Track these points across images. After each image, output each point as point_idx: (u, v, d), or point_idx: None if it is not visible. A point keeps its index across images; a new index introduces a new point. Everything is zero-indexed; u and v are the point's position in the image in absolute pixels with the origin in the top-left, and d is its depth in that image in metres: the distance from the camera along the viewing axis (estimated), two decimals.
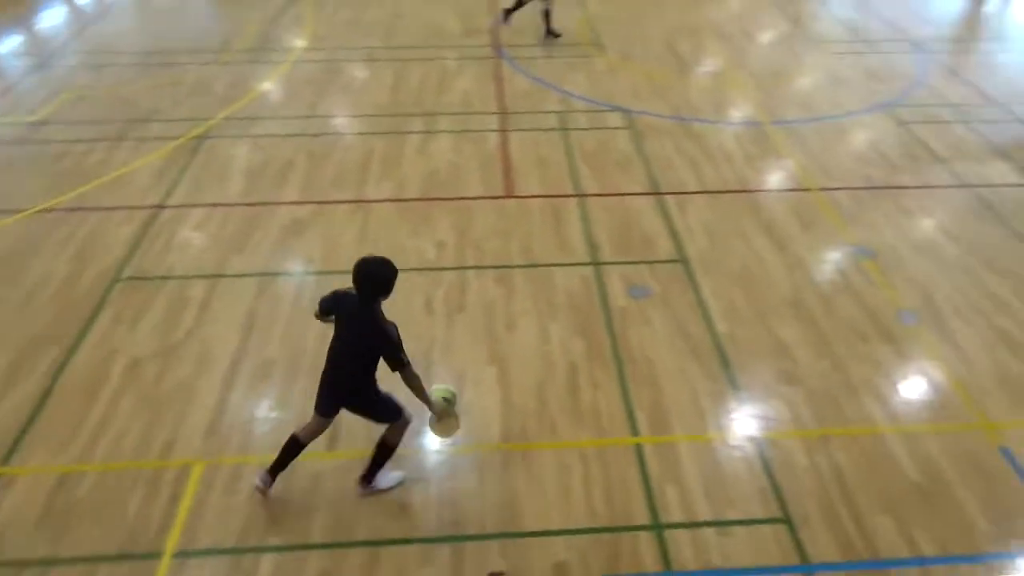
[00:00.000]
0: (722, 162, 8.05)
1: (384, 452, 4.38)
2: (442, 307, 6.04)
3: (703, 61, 10.46)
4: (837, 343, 5.75)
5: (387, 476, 4.52)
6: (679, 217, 7.15)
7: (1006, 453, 4.91)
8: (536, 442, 4.93)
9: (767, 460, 4.83)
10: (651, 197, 7.47)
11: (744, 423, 5.10)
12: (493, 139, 8.45)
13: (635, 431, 5.02)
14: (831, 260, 6.66)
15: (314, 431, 4.36)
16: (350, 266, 4.02)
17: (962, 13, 12.66)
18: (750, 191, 7.57)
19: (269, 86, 9.80)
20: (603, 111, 9.03)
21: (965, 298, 6.22)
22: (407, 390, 4.15)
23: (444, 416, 4.32)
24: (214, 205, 7.32)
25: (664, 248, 6.75)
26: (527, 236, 6.88)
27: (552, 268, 6.48)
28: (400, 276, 4.04)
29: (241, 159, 8.12)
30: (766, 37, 11.33)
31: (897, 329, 5.90)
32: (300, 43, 11.08)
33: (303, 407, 5.12)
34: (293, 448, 4.33)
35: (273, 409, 5.13)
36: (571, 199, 7.43)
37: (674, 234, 6.92)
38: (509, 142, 8.37)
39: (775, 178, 7.83)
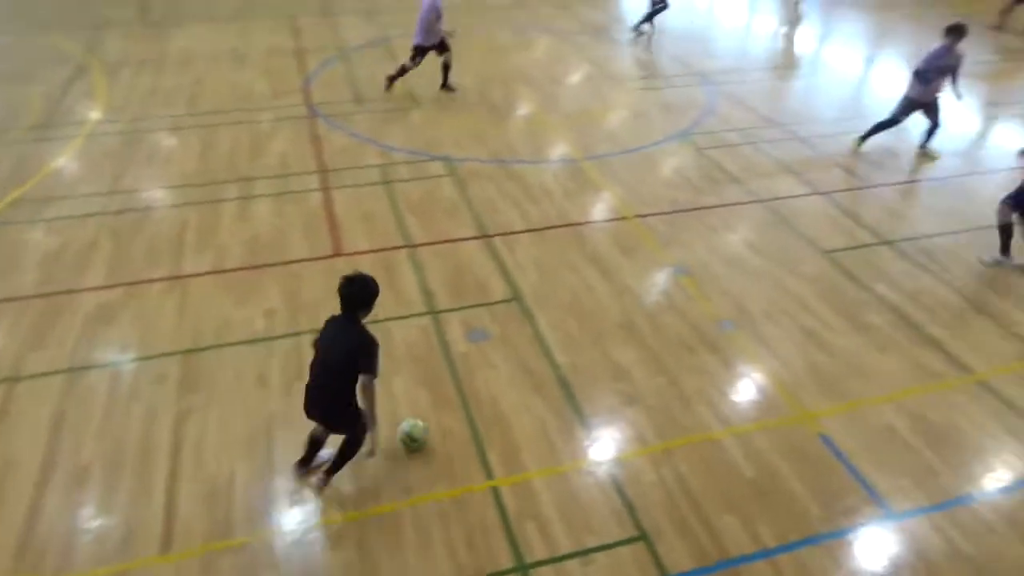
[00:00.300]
0: (544, 200, 8.36)
1: (348, 455, 4.78)
2: (278, 378, 5.75)
3: (516, 106, 10.88)
4: (668, 359, 6.08)
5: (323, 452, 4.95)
6: (509, 257, 7.32)
7: (824, 439, 5.37)
8: (391, 503, 4.78)
9: (618, 481, 4.97)
10: (480, 240, 7.60)
11: (593, 449, 5.23)
12: (315, 198, 8.27)
13: (489, 474, 5.00)
14: (653, 282, 7.06)
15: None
16: (172, 348, 3.75)
17: (738, 48, 14.08)
18: (573, 225, 7.91)
19: (62, 163, 9.05)
20: (425, 161, 9.12)
21: (772, 302, 6.81)
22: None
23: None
24: (4, 300, 6.59)
25: (498, 289, 6.87)
26: None
27: (389, 322, 6.38)
28: (229, 352, 3.82)
29: (34, 246, 7.39)
30: (570, 80, 12.01)
31: (719, 338, 6.33)
32: (94, 115, 10.35)
33: (129, 510, 4.67)
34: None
35: (94, 517, 4.63)
36: (401, 251, 7.40)
37: (506, 274, 7.06)
38: (332, 200, 8.24)
39: (594, 210, 8.23)
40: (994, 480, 5.10)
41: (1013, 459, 5.28)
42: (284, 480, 4.92)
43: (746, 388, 5.85)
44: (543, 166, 9.13)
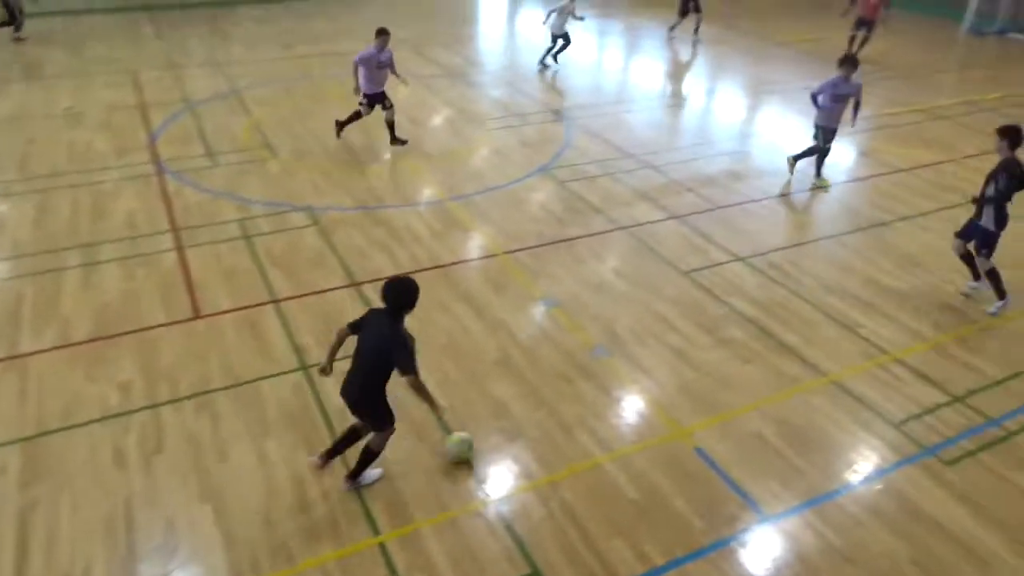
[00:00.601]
0: (412, 243, 8.31)
1: (369, 456, 5.05)
2: (136, 454, 5.33)
3: (378, 151, 10.82)
4: (546, 391, 6.13)
5: (369, 473, 5.16)
6: (379, 303, 7.15)
7: (700, 453, 5.57)
8: (271, 574, 4.50)
9: (507, 520, 4.93)
10: (350, 288, 7.43)
11: (480, 490, 5.17)
12: (169, 259, 7.82)
13: (376, 530, 4.82)
14: (526, 316, 7.15)
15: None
16: (11, 436, 3.38)
17: (590, 83, 14.70)
18: (443, 266, 7.89)
19: None
20: (286, 212, 8.86)
21: (640, 324, 7.05)
22: None
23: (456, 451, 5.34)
24: None
25: None
26: (225, 355, 6.41)
27: (259, 382, 6.09)
28: (80, 432, 3.50)
29: None
30: (431, 122, 12.10)
31: (594, 365, 6.47)
32: None
33: None
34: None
35: None
36: (267, 306, 7.11)
37: None
38: (188, 260, 7.81)
39: (463, 249, 8.26)
40: (855, 474, 5.46)
41: (869, 452, 5.68)
42: (148, 567, 4.53)
43: (623, 411, 5.99)
44: (409, 209, 9.09)
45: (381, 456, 5.10)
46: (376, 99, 10.54)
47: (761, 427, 5.84)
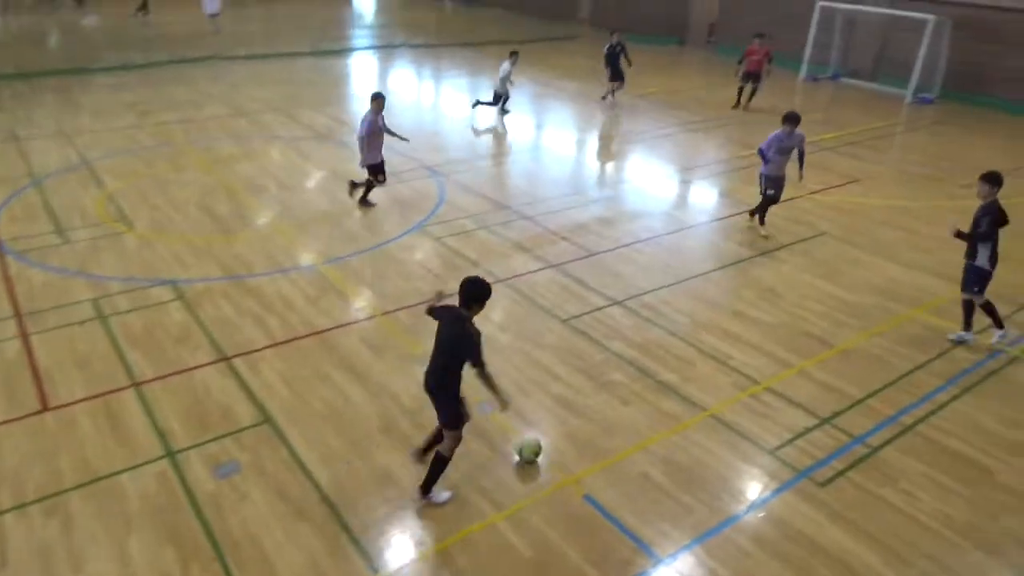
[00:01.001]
0: (285, 311, 8.00)
1: (439, 465, 5.35)
2: None
3: (246, 217, 10.45)
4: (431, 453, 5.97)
5: (441, 494, 5.46)
6: (253, 377, 6.84)
7: (589, 499, 5.56)
8: None
9: None
10: (219, 364, 7.04)
11: (370, 566, 4.92)
12: (12, 348, 7.15)
13: None
14: (409, 377, 6.97)
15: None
16: None
17: (464, 139, 14.91)
18: (319, 332, 7.63)
19: None
20: (146, 288, 8.34)
21: (524, 376, 7.05)
22: None
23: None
24: None
25: (244, 414, 6.36)
26: (78, 449, 5.87)
27: (118, 476, 5.60)
28: None
29: None
30: (302, 185, 11.85)
31: (481, 421, 6.36)
32: None
33: None
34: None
35: None
36: (126, 391, 6.60)
37: (252, 396, 6.58)
38: (34, 347, 7.17)
39: (340, 313, 8.03)
40: (738, 505, 5.60)
41: (750, 482, 5.85)
42: None
43: (513, 467, 5.91)
44: (281, 276, 8.78)
45: (448, 469, 5.41)
46: (381, 167, 10.64)
47: (647, 468, 5.91)
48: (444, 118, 16.59)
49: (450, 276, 8.90)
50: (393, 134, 10.86)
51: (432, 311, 5.41)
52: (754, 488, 5.78)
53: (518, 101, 18.22)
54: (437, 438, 5.54)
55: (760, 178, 10.40)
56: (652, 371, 7.18)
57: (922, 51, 19.20)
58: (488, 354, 7.25)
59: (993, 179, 7.43)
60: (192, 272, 8.77)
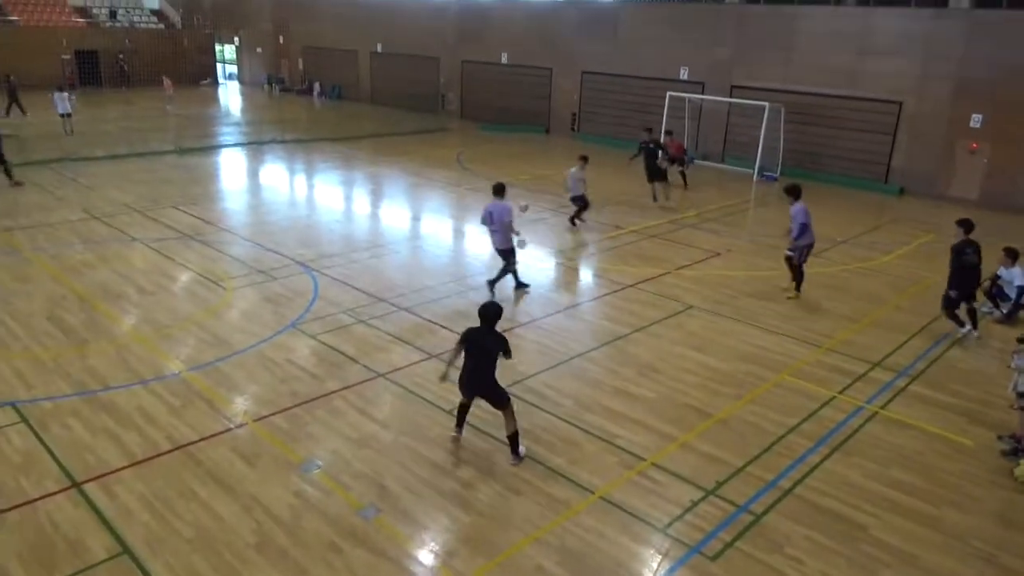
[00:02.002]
0: (146, 425, 7.39)
1: (515, 437, 6.98)
2: None
3: (100, 327, 9.71)
4: (317, 568, 5.57)
5: (522, 448, 7.08)
6: (108, 503, 6.19)
7: None
8: None
9: None
10: (68, 492, 6.34)
11: None
12: None
13: None
14: (284, 485, 6.55)
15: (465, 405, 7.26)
16: None
17: (337, 232, 14.70)
18: (184, 446, 7.07)
19: None
20: None
21: (410, 473, 6.78)
22: None
23: None
24: None
25: (99, 545, 5.72)
26: None
27: None
28: None
29: None
30: (164, 288, 11.21)
31: (365, 528, 6.04)
32: None
33: None
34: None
35: None
36: None
37: (107, 525, 5.94)
38: None
39: (207, 424, 7.49)
40: None
41: (644, 562, 5.80)
42: None
43: (402, 575, 5.59)
44: (141, 387, 8.15)
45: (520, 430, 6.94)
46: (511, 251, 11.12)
47: (542, 560, 5.75)
48: (317, 212, 16.37)
49: (327, 374, 8.59)
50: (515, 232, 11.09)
51: (461, 341, 6.96)
52: (648, 570, 5.73)
53: (392, 192, 18.34)
54: (461, 420, 7.28)
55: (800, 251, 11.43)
56: (541, 456, 7.10)
57: (762, 134, 21.06)
58: (370, 455, 7.02)
59: (964, 223, 10.10)
60: (36, 391, 7.98)
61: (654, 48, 24.94)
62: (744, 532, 6.15)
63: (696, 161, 23.38)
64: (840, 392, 8.58)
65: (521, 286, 11.52)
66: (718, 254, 13.82)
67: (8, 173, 17.07)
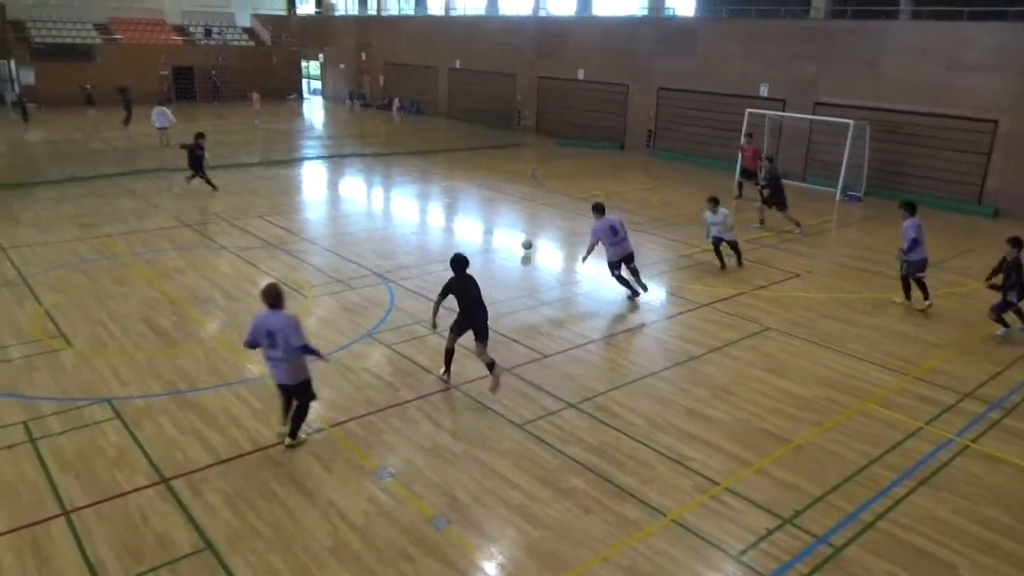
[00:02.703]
0: (230, 426, 7.70)
1: (492, 363, 8.38)
2: None
3: (190, 330, 10.19)
4: (388, 575, 5.66)
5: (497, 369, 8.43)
6: (194, 500, 6.47)
7: None
8: None
9: None
10: (158, 487, 6.65)
11: None
12: None
13: None
14: (359, 491, 6.70)
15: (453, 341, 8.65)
16: None
17: (414, 245, 15.01)
18: (265, 448, 7.33)
19: None
20: (81, 407, 7.95)
21: (480, 486, 6.83)
22: None
23: None
24: None
25: (184, 540, 5.98)
26: None
27: None
28: None
29: None
30: (249, 295, 11.65)
31: (435, 538, 6.11)
32: None
33: None
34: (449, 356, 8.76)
35: None
36: (55, 521, 6.16)
37: (192, 521, 6.20)
38: None
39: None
40: None
41: None
42: None
43: None
44: (225, 389, 8.50)
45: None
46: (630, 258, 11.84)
47: None
48: (393, 224, 16.74)
49: (402, 384, 8.76)
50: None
51: (444, 291, 8.40)
52: None
53: (466, 207, 18.61)
54: (450, 359, 8.80)
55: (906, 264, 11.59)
56: (610, 475, 7.05)
57: (846, 153, 20.42)
58: (442, 464, 7.11)
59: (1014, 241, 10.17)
60: (131, 389, 8.42)
61: (733, 64, 24.57)
62: (823, 564, 5.95)
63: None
64: (927, 423, 8.21)
65: (634, 293, 11.89)
66: (797, 275, 13.45)
67: (209, 182, 18.48)
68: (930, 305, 11.67)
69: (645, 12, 29.01)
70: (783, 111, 22.86)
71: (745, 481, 7.03)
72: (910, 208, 11.64)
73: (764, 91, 23.85)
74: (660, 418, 8.16)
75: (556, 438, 7.65)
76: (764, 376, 9.28)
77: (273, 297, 7.11)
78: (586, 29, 29.93)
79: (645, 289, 11.92)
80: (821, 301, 12.12)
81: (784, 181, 18.18)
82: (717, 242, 13.51)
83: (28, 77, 35.67)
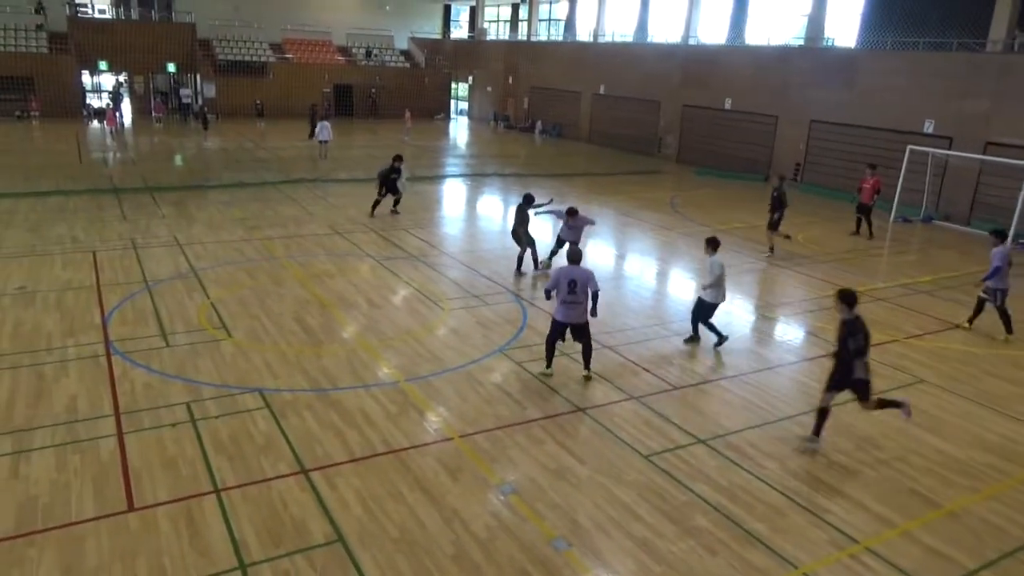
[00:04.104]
0: (365, 426, 8.06)
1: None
2: None
3: (334, 331, 10.80)
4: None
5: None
6: (330, 493, 6.82)
7: None
8: None
9: None
10: (298, 476, 7.07)
11: None
12: (107, 447, 7.41)
13: None
14: (483, 504, 6.82)
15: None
16: None
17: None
18: (396, 451, 7.62)
19: None
20: (236, 395, 8.60)
21: (602, 512, 6.77)
22: None
23: None
24: None
25: (318, 530, 6.30)
26: (156, 554, 5.90)
27: None
28: None
29: None
30: (389, 303, 12.22)
31: (555, 559, 6.11)
32: None
33: None
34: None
35: None
36: (208, 497, 6.68)
37: (327, 512, 6.54)
38: (128, 446, 7.42)
39: (418, 433, 8.02)
40: None
41: None
42: None
43: None
44: (363, 391, 8.92)
45: None
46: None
47: None
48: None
49: (529, 402, 8.84)
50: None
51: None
52: None
53: (600, 232, 18.60)
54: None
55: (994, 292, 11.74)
56: (739, 519, 6.77)
57: (1021, 197, 18.70)
58: (565, 487, 7.11)
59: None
60: (280, 382, 9.01)
61: (895, 98, 23.22)
62: None
63: (935, 221, 21.35)
64: None
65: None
66: (958, 326, 12.43)
67: (396, 202, 18.73)
68: (968, 328, 12.10)
69: (801, 42, 28.02)
70: (949, 149, 21.31)
71: (889, 543, 6.54)
72: (1000, 236, 12.08)
73: (929, 127, 22.38)
74: (796, 465, 7.76)
75: (683, 473, 7.45)
76: (915, 432, 8.63)
77: (577, 255, 9.59)
78: (737, 57, 29.30)
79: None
80: (986, 357, 11.14)
81: (944, 224, 16.87)
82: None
83: (210, 91, 39.28)
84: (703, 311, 10.84)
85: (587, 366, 9.58)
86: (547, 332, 9.64)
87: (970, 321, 12.27)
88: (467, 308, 12.06)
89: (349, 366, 9.61)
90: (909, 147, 21.28)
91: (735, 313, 12.51)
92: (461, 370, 9.64)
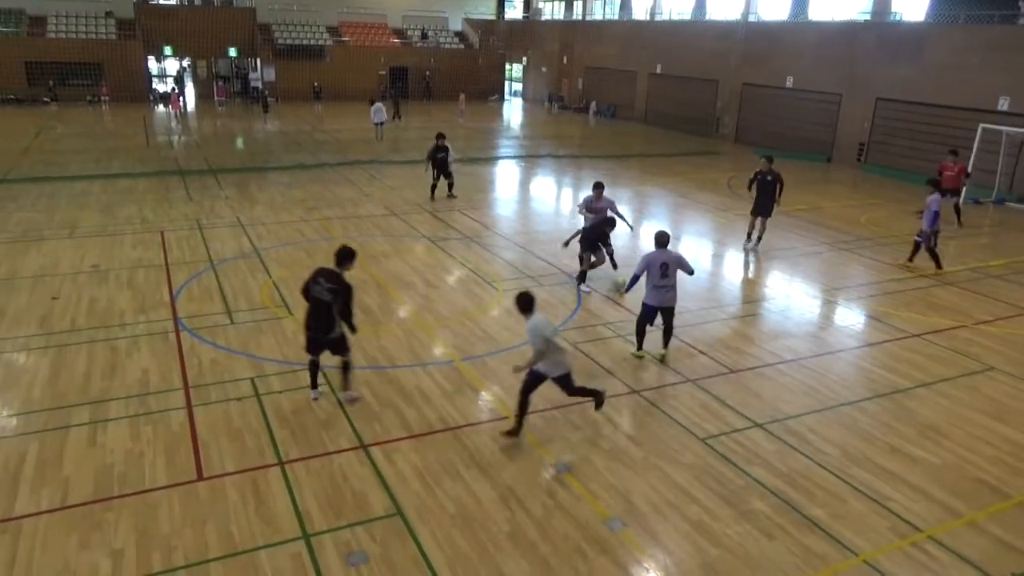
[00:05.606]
0: (423, 404, 8.21)
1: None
2: None
3: (391, 310, 10.98)
4: (563, 568, 5.79)
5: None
6: (388, 467, 6.99)
7: None
8: None
9: None
10: (357, 451, 7.26)
11: None
12: (177, 418, 7.73)
13: None
14: (538, 483, 6.89)
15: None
16: None
17: None
18: (453, 428, 7.74)
19: None
20: (298, 371, 8.83)
21: (657, 494, 6.77)
22: None
23: None
24: None
25: (377, 504, 6.47)
26: (224, 521, 6.16)
27: (257, 552, 5.81)
28: None
29: None
30: (445, 283, 12.35)
31: (610, 539, 6.15)
32: None
33: None
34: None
35: None
36: (272, 469, 6.92)
37: (386, 486, 6.70)
38: (197, 418, 7.72)
39: (474, 411, 8.14)
40: None
41: None
42: None
43: None
44: (420, 369, 9.07)
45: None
46: None
47: None
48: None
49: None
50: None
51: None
52: None
53: (656, 213, 18.37)
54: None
55: None
56: (798, 503, 6.69)
57: None
58: (620, 468, 7.12)
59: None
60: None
61: (967, 75, 22.24)
62: None
63: (1008, 203, 20.46)
64: None
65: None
66: None
67: (450, 187, 18.55)
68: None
69: (867, 16, 27.02)
70: None
71: (953, 532, 6.38)
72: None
73: (1004, 104, 21.39)
74: (857, 451, 7.61)
75: (741, 457, 7.39)
76: (983, 420, 8.36)
77: (664, 237, 9.38)
78: (799, 34, 28.45)
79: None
80: None
81: (1018, 206, 16.15)
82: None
83: (270, 74, 40.05)
84: (535, 383, 7.56)
85: (666, 345, 9.57)
86: (637, 316, 9.47)
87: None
88: (521, 288, 12.05)
89: (407, 345, 9.77)
90: (981, 125, 20.39)
91: (794, 296, 12.25)
92: (515, 350, 9.70)
